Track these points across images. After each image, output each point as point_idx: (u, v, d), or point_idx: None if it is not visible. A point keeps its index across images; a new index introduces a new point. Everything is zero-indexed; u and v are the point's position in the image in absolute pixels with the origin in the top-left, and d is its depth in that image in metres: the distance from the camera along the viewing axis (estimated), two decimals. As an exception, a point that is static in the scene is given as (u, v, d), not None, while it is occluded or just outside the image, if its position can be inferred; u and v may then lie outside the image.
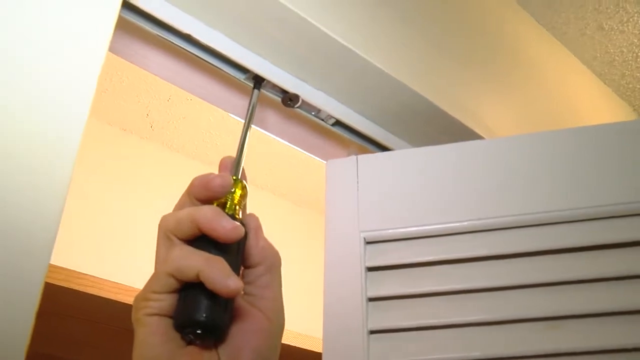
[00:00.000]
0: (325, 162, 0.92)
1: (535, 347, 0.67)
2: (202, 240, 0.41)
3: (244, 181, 0.48)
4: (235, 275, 0.39)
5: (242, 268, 0.45)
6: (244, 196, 0.47)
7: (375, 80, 0.88)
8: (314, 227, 2.21)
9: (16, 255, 0.51)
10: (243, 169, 0.51)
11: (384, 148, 0.97)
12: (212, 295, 0.38)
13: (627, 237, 0.69)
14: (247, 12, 0.76)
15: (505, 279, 0.70)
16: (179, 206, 0.44)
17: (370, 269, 0.74)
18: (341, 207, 0.79)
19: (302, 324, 1.68)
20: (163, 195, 1.86)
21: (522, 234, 0.72)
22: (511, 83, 1.18)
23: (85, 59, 0.60)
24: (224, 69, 0.83)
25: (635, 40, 1.43)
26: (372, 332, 0.71)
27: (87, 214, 1.67)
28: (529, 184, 0.75)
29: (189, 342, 0.40)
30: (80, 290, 1.27)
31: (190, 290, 0.39)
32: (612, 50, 1.46)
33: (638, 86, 1.56)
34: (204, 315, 0.38)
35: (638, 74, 1.52)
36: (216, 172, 0.45)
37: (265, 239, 0.45)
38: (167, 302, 0.39)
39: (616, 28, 1.40)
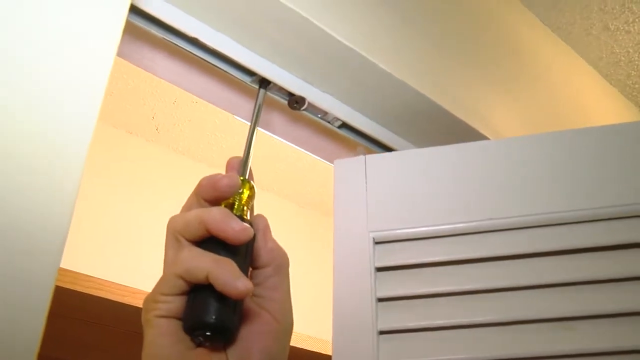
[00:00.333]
0: (331, 164, 0.92)
1: (548, 348, 0.66)
2: (210, 242, 0.40)
3: (251, 181, 0.48)
4: (245, 277, 0.39)
5: (251, 269, 0.45)
6: (251, 197, 0.47)
7: (381, 82, 0.88)
8: (319, 229, 2.20)
9: (26, 259, 0.51)
10: (250, 169, 0.51)
11: (390, 150, 0.97)
12: (221, 297, 0.38)
13: (642, 237, 0.68)
14: (253, 15, 0.76)
15: (517, 279, 0.70)
16: (187, 207, 0.44)
17: (380, 269, 0.74)
18: (350, 208, 0.79)
19: (308, 326, 1.68)
20: (169, 197, 1.86)
21: (533, 234, 0.72)
22: (516, 83, 1.18)
23: (94, 64, 0.61)
24: (230, 72, 0.83)
25: (641, 40, 1.42)
26: (382, 332, 0.71)
27: (94, 216, 1.68)
28: (539, 183, 0.75)
29: (198, 344, 0.40)
30: (87, 292, 1.27)
31: (199, 292, 0.39)
32: (617, 51, 1.46)
33: (644, 86, 1.56)
34: (214, 317, 0.38)
35: (644, 74, 1.52)
36: (223, 173, 0.45)
37: (274, 240, 0.45)
38: (176, 304, 0.39)
39: (622, 28, 1.40)
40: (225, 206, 0.44)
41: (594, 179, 0.73)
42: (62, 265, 1.23)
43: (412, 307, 0.72)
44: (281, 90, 0.86)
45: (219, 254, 0.40)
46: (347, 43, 0.82)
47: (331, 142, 0.97)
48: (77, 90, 0.58)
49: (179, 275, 0.39)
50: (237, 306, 0.40)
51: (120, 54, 0.77)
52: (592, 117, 1.39)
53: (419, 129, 0.97)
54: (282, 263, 0.45)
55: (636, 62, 1.49)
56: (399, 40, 0.92)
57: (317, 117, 0.91)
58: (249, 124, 0.97)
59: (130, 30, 0.74)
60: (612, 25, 1.39)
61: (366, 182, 0.81)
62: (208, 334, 0.39)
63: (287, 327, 0.43)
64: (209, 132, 1.89)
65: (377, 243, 0.76)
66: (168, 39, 0.77)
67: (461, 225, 0.74)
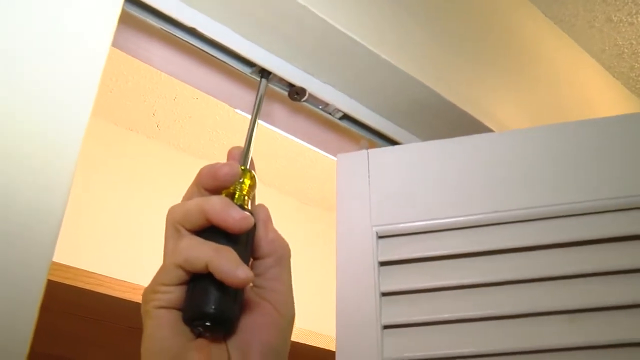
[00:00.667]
0: (332, 156, 0.91)
1: (553, 341, 0.65)
2: (211, 231, 0.40)
3: (252, 171, 0.47)
4: (245, 265, 0.38)
5: (252, 260, 0.44)
6: (252, 186, 0.46)
7: (383, 73, 0.87)
8: (321, 225, 2.20)
9: (18, 253, 0.50)
10: (252, 159, 0.50)
11: (392, 142, 0.96)
12: (222, 287, 0.38)
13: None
14: (252, 4, 0.75)
15: (521, 272, 0.69)
16: (187, 197, 0.43)
17: (383, 264, 0.73)
18: (353, 202, 0.79)
19: (312, 322, 1.68)
20: (170, 194, 1.86)
21: (537, 227, 0.71)
22: (520, 77, 1.17)
23: (88, 54, 0.59)
24: (230, 63, 0.82)
25: (645, 32, 1.41)
26: (386, 327, 0.70)
27: (95, 213, 1.67)
28: (543, 176, 0.74)
29: (198, 335, 0.39)
30: (88, 288, 1.26)
31: (199, 281, 0.39)
32: (621, 43, 1.44)
33: (648, 79, 1.54)
34: (213, 307, 0.38)
35: (648, 66, 1.51)
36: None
37: (275, 230, 0.44)
38: (175, 294, 0.39)
39: (625, 20, 1.38)
40: (226, 195, 0.44)
41: (598, 170, 0.72)
42: (63, 261, 1.23)
43: (417, 301, 0.71)
44: (281, 81, 0.85)
45: (219, 243, 0.39)
46: (348, 33, 0.81)
47: (332, 134, 0.96)
48: (71, 80, 0.57)
49: (179, 264, 0.38)
50: (237, 296, 0.40)
51: (115, 44, 0.76)
52: (595, 110, 1.38)
53: (422, 121, 0.96)
54: (283, 254, 0.44)
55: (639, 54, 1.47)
56: (402, 31, 0.91)
57: (318, 108, 0.90)
58: (249, 116, 0.96)
59: (126, 20, 0.73)
60: (615, 17, 1.38)
61: (369, 176, 0.80)
62: (208, 324, 0.38)
63: (289, 318, 0.43)
64: (210, 128, 1.88)
65: (380, 237, 0.75)
66: (165, 29, 0.75)
67: (465, 218, 0.73)
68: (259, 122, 0.98)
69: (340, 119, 0.92)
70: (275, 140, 1.90)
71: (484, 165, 0.77)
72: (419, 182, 0.78)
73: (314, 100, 0.89)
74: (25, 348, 0.49)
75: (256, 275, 0.43)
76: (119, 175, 1.79)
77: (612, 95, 1.50)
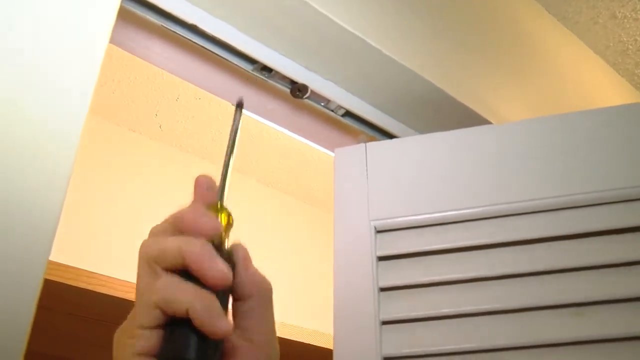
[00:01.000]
0: (333, 154, 0.90)
1: (557, 335, 0.64)
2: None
3: (228, 209, 0.45)
4: (226, 317, 0.36)
5: (232, 300, 0.42)
6: (230, 225, 0.44)
7: (386, 68, 0.87)
8: (323, 224, 2.19)
9: (16, 249, 0.50)
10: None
11: (394, 137, 0.95)
12: (202, 332, 0.36)
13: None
14: (254, 1, 0.75)
15: (523, 265, 0.68)
16: (161, 231, 0.41)
17: (381, 258, 0.73)
18: (350, 196, 0.78)
19: (314, 321, 1.67)
20: (173, 195, 1.86)
21: (538, 219, 0.70)
22: (522, 73, 1.16)
23: (86, 51, 0.59)
24: (231, 60, 0.81)
25: (649, 28, 1.40)
26: (385, 322, 0.69)
27: (97, 214, 1.67)
28: (544, 167, 0.73)
29: None
30: (90, 289, 1.26)
31: (177, 325, 0.36)
32: (625, 39, 1.43)
33: (653, 75, 1.53)
34: (194, 355, 0.35)
35: (652, 63, 1.49)
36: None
37: (256, 270, 0.42)
38: (153, 340, 0.36)
39: (629, 16, 1.37)
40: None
41: (605, 161, 0.71)
42: (65, 261, 1.23)
43: (416, 296, 0.70)
44: (283, 78, 0.85)
45: (198, 284, 0.37)
46: (350, 29, 0.80)
47: (335, 131, 0.96)
48: (67, 78, 0.57)
49: (157, 304, 0.36)
50: (219, 342, 0.38)
51: (114, 41, 0.75)
52: (599, 106, 1.37)
53: (425, 117, 0.96)
54: (265, 293, 0.42)
55: (644, 51, 1.46)
56: (404, 27, 0.91)
57: (320, 105, 0.90)
58: (252, 115, 0.96)
59: (124, 16, 0.73)
60: (619, 13, 1.36)
61: (367, 170, 0.79)
62: None
63: (274, 359, 0.41)
64: (213, 128, 1.88)
65: (378, 232, 0.74)
66: (165, 26, 0.75)
67: (465, 211, 0.72)
68: (260, 119, 0.97)
69: (342, 116, 0.92)
70: (278, 139, 1.89)
71: (481, 157, 0.76)
72: (418, 176, 0.77)
73: (316, 97, 0.88)
74: (22, 345, 0.48)
75: (239, 316, 0.41)
76: (122, 176, 1.79)
77: (616, 91, 1.48)
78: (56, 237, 0.53)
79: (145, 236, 0.43)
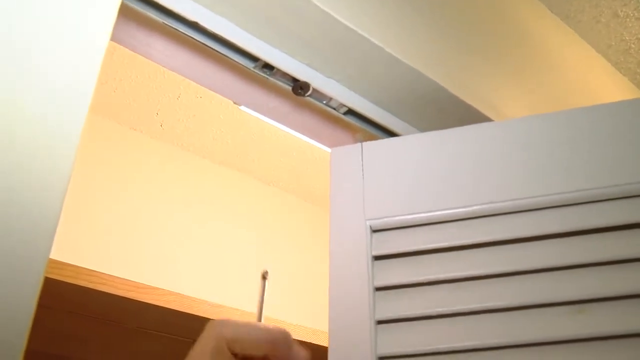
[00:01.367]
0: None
1: (556, 333, 0.64)
2: None
3: None
4: None
5: None
6: None
7: (388, 67, 0.86)
8: (325, 223, 2.19)
9: (16, 249, 0.50)
10: None
11: (396, 136, 0.95)
12: None
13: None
14: (256, -2, 0.75)
15: (520, 263, 0.67)
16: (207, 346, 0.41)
17: (377, 258, 0.72)
18: (346, 195, 0.77)
19: (316, 320, 1.67)
20: (175, 193, 1.86)
21: (535, 217, 0.69)
22: (525, 72, 1.15)
23: (86, 49, 0.59)
24: (233, 58, 0.81)
25: (652, 27, 1.39)
26: (380, 322, 0.69)
27: (99, 212, 1.67)
28: (542, 164, 0.72)
29: None
30: (91, 287, 1.26)
31: None
32: (627, 38, 1.42)
33: (655, 75, 1.52)
34: None
35: (655, 62, 1.48)
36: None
37: None
38: None
39: (632, 15, 1.36)
40: None
41: (604, 157, 0.70)
42: (65, 259, 1.23)
43: (411, 295, 0.69)
44: (285, 76, 0.85)
45: None
46: (353, 27, 0.80)
47: (337, 129, 0.95)
48: (67, 76, 0.57)
49: None
50: None
51: (115, 38, 0.75)
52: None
53: (427, 115, 0.95)
54: None
55: (647, 50, 1.45)
56: (406, 24, 0.90)
57: (322, 103, 0.89)
58: (253, 113, 0.96)
59: (125, 13, 0.73)
60: (621, 12, 1.36)
61: (363, 169, 0.79)
62: None
63: None
64: (214, 127, 1.87)
65: (374, 231, 0.74)
66: (167, 23, 0.75)
67: (461, 210, 0.72)
68: (261, 117, 0.97)
69: (344, 114, 0.92)
70: (279, 138, 1.89)
71: (478, 155, 0.75)
72: (414, 174, 0.77)
73: (318, 95, 0.88)
74: (22, 343, 0.48)
75: None
76: (123, 175, 1.79)
77: (618, 90, 1.48)
78: (56, 236, 0.53)
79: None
